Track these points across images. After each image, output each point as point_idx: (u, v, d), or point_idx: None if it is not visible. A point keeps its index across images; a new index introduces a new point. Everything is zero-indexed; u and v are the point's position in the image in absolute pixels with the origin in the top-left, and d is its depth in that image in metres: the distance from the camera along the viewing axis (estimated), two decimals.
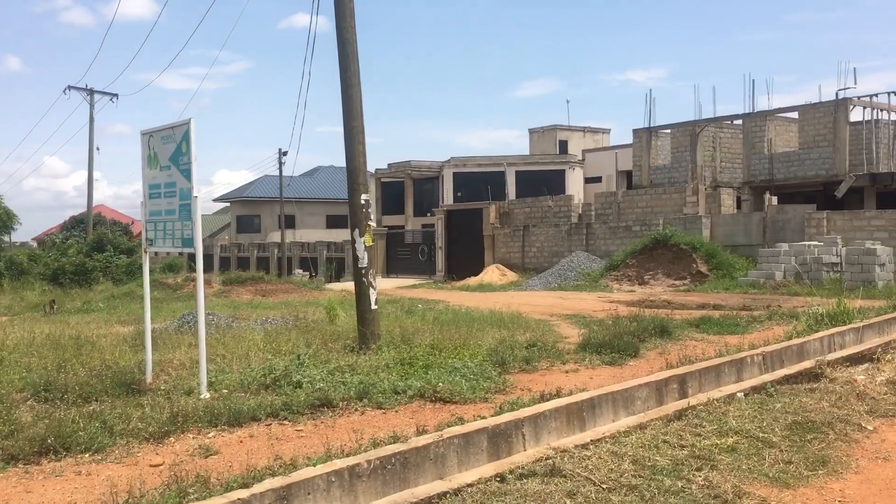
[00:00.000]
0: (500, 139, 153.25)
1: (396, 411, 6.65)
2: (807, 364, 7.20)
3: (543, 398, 6.03)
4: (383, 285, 33.16)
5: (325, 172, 69.14)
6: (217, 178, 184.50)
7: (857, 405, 6.01)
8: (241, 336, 9.88)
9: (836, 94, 28.27)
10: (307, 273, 41.18)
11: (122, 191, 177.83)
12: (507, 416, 5.38)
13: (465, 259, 33.43)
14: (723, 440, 4.95)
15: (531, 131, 51.23)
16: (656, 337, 10.65)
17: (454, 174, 43.58)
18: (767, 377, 6.72)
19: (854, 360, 7.87)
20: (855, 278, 18.79)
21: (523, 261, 30.93)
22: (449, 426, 5.37)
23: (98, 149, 38.49)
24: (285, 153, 44.51)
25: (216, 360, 8.30)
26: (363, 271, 9.31)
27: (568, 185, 41.34)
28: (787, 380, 6.74)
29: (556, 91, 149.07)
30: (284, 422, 6.32)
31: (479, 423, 5.19)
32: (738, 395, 6.17)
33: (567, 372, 8.48)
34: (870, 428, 5.49)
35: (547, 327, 12.47)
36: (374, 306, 9.33)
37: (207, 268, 52.85)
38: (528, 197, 33.86)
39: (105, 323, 14.45)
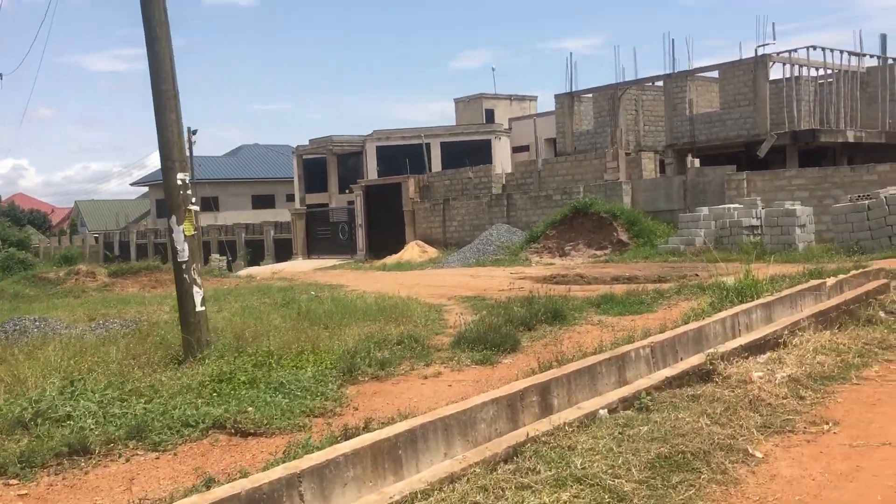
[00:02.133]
0: (438, 111, 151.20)
1: (175, 454, 5.14)
2: (695, 360, 5.93)
3: (347, 434, 4.60)
4: (301, 267, 31.42)
5: (249, 151, 66.26)
6: (151, 161, 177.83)
7: (747, 418, 4.75)
8: (47, 351, 8.14)
9: (756, 51, 27.45)
10: (224, 258, 38.96)
11: (53, 178, 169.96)
12: (276, 472, 3.91)
13: (386, 236, 31.83)
14: (556, 495, 3.59)
15: (457, 101, 49.40)
16: (547, 323, 9.35)
17: (377, 148, 41.68)
18: (644, 382, 5.42)
19: (756, 347, 6.66)
20: (775, 241, 17.94)
21: (444, 236, 29.54)
22: (191, 493, 3.90)
23: None
24: (195, 132, 41.87)
25: None
26: (183, 266, 7.69)
27: (495, 155, 39.89)
28: (669, 383, 5.46)
29: (494, 60, 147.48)
30: (12, 481, 4.74)
31: (228, 489, 3.72)
32: (601, 412, 4.84)
33: (426, 378, 7.08)
34: (759, 455, 4.21)
35: (435, 315, 11.08)
36: (199, 308, 7.73)
37: (124, 256, 50.01)
38: (455, 169, 32.28)
39: None
